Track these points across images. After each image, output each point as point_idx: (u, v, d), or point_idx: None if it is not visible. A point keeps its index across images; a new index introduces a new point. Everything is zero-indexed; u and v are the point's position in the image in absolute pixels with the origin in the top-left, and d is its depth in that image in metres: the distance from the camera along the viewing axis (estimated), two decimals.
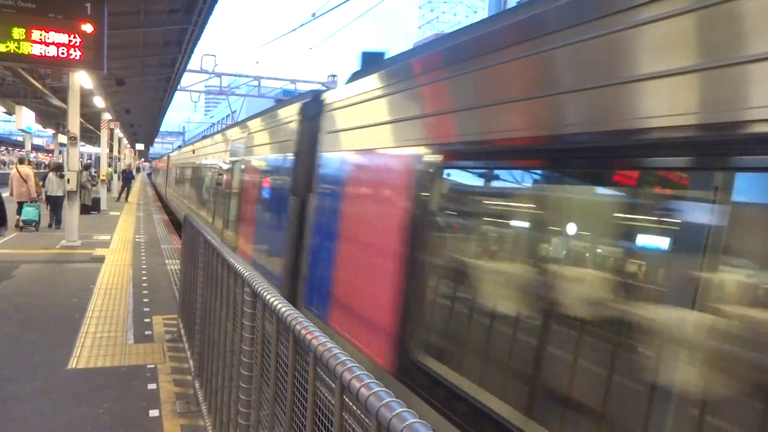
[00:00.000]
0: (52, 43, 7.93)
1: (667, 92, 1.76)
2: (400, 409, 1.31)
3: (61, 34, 7.98)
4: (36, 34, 7.85)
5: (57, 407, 4.56)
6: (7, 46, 7.74)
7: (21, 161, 16.42)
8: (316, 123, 4.93)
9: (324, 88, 10.27)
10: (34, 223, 14.70)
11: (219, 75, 27.72)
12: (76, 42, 8.05)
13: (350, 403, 1.62)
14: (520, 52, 2.42)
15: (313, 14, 17.88)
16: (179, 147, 33.90)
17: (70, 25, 8.01)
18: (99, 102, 19.02)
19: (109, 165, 29.61)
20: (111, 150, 30.96)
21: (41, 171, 27.29)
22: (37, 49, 7.83)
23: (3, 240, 10.28)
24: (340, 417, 1.70)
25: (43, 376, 5.17)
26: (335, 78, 28.63)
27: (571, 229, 2.23)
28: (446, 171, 2.97)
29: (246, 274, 2.93)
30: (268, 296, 2.48)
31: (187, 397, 4.83)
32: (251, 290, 2.79)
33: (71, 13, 8.04)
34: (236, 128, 9.42)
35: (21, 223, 14.49)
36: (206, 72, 26.68)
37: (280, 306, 2.29)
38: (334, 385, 1.65)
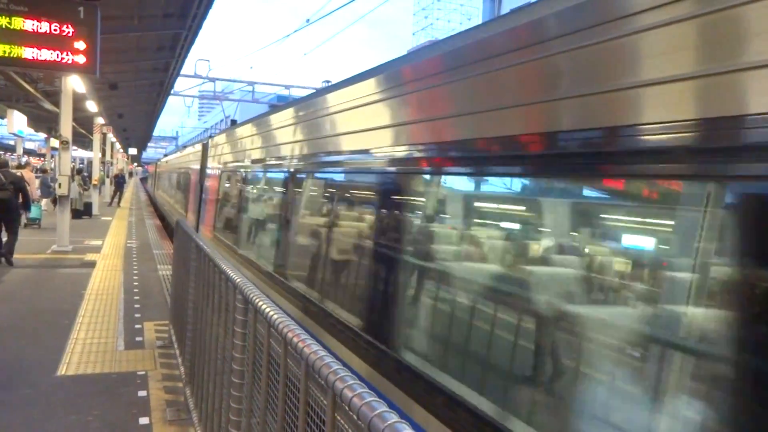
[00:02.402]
0: (45, 47, 7.88)
1: None
2: (393, 420, 1.29)
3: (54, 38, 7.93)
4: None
5: (45, 415, 4.50)
6: None
7: (24, 166, 17.80)
8: None
9: None
10: (37, 221, 16.44)
11: (213, 80, 27.71)
12: (68, 46, 8.00)
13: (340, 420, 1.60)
14: None
15: (308, 20, 17.95)
16: (237, 125, 10.04)
17: (63, 29, 7.96)
18: (92, 106, 18.94)
19: (102, 169, 29.50)
20: (103, 154, 30.82)
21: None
22: (29, 53, 7.77)
23: None
24: (332, 426, 1.68)
25: (31, 383, 5.10)
26: (329, 84, 28.66)
27: None
28: None
29: (238, 280, 2.91)
30: (260, 303, 2.45)
31: (178, 404, 4.78)
32: (243, 296, 2.77)
33: (64, 16, 7.99)
34: None
35: (26, 221, 15.73)
36: (200, 77, 26.68)
37: (271, 313, 2.27)
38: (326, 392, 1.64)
